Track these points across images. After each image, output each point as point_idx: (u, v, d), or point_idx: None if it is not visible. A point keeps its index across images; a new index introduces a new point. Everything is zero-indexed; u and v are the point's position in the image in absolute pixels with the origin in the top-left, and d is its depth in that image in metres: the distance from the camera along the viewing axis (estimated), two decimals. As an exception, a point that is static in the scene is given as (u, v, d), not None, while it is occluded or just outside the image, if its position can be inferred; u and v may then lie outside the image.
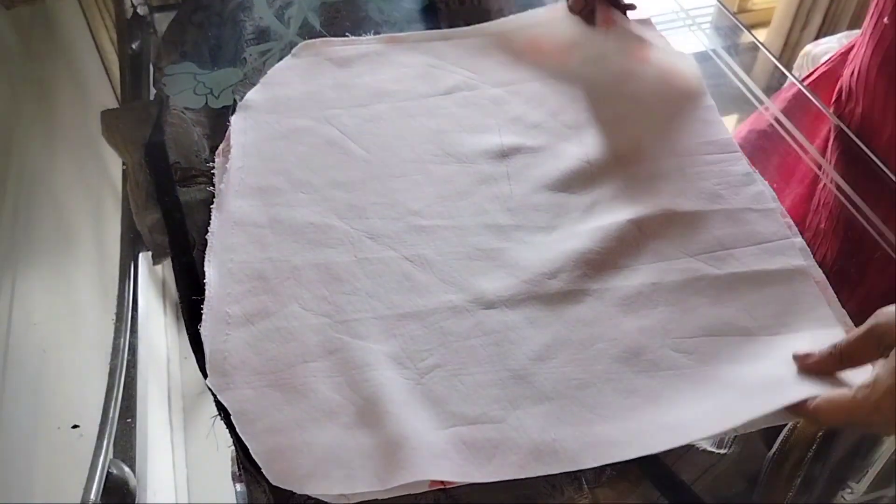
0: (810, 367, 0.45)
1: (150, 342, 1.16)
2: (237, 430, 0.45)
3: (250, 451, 0.44)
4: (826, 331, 0.49)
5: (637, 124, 0.65)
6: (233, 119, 0.65)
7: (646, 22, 0.74)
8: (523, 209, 0.58)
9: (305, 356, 0.49)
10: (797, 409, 0.43)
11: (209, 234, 0.56)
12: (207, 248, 0.55)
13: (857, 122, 0.65)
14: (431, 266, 0.54)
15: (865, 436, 0.51)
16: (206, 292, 0.52)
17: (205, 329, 0.50)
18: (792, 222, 0.57)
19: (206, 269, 0.53)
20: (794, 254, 0.54)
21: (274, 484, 0.43)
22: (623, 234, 0.56)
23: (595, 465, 0.43)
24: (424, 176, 0.61)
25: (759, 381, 0.46)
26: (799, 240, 0.55)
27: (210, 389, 0.47)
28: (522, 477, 0.43)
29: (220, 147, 0.64)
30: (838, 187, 0.62)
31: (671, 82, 0.69)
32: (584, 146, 0.64)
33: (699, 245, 0.55)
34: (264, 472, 0.44)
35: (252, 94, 0.67)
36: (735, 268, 0.53)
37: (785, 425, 0.48)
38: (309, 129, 0.65)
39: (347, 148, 0.63)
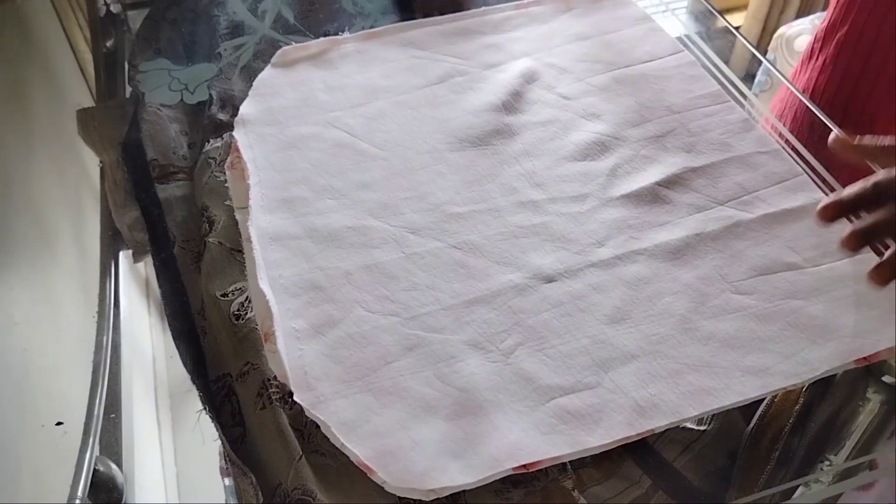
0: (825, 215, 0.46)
1: (134, 340, 1.15)
2: (340, 440, 0.45)
3: (360, 457, 0.44)
4: (861, 255, 0.53)
5: (631, 89, 0.68)
6: (235, 135, 0.63)
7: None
8: (550, 182, 0.60)
9: (386, 357, 0.49)
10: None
11: (253, 250, 0.55)
12: (257, 268, 0.54)
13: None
14: (481, 250, 0.55)
15: (842, 408, 0.54)
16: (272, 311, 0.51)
17: (279, 347, 0.50)
18: None
19: (261, 287, 0.52)
20: (812, 187, 0.58)
21: (394, 485, 0.43)
22: (654, 197, 0.58)
23: (697, 413, 0.45)
24: (445, 165, 0.61)
25: (825, 325, 0.50)
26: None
27: (302, 406, 0.47)
28: (633, 434, 0.45)
29: (228, 160, 0.62)
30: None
31: (651, 46, 0.72)
32: (587, 116, 0.65)
33: (725, 193, 0.58)
34: (381, 476, 0.43)
35: (246, 108, 0.66)
36: (764, 209, 0.57)
37: (763, 400, 0.51)
38: (315, 135, 0.64)
39: (360, 148, 0.63)
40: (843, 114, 0.71)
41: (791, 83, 0.72)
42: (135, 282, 1.22)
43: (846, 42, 0.69)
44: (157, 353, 1.27)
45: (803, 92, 0.73)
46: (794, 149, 0.63)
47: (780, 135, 0.65)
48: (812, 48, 0.75)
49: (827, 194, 0.58)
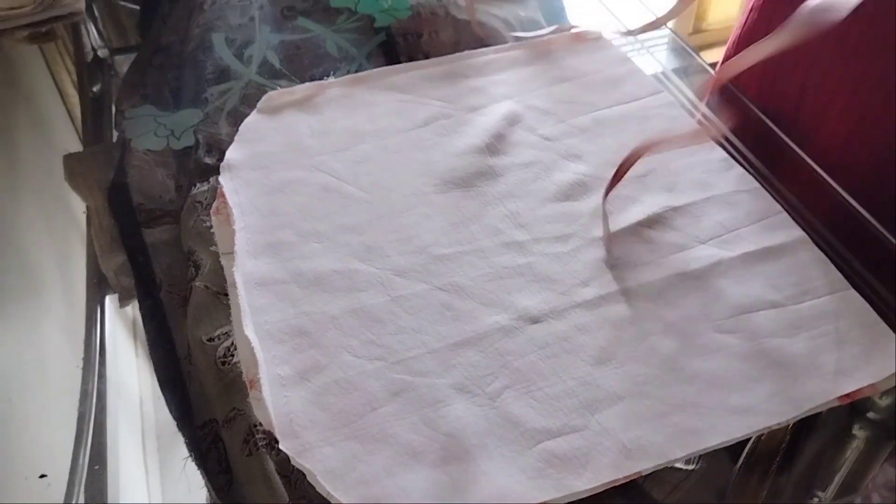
0: None
1: (121, 385, 1.14)
2: (326, 488, 0.44)
3: None
4: (842, 293, 0.54)
5: (612, 129, 0.69)
6: (220, 180, 0.63)
7: (600, 39, 0.80)
8: (534, 222, 0.60)
9: (372, 403, 0.49)
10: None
11: (238, 296, 0.55)
12: (242, 314, 0.54)
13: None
14: (467, 292, 0.55)
15: (828, 445, 0.54)
16: (257, 358, 0.51)
17: (264, 395, 0.49)
18: None
19: (246, 333, 0.53)
20: (792, 225, 0.59)
21: None
22: (636, 237, 0.59)
23: (683, 455, 0.45)
24: (430, 207, 0.62)
25: (807, 363, 0.50)
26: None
27: (288, 454, 0.47)
28: (620, 477, 0.45)
29: (214, 205, 0.62)
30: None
31: (632, 87, 0.74)
32: (569, 156, 0.66)
33: (707, 231, 0.59)
34: None
35: (231, 154, 0.66)
36: (745, 248, 0.57)
37: (749, 438, 0.51)
38: (301, 180, 0.64)
39: (345, 192, 0.63)
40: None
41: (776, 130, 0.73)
42: (122, 323, 1.21)
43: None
44: (144, 395, 1.26)
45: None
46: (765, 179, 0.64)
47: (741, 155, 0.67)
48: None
49: (805, 230, 0.59)
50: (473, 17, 0.81)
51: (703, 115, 0.72)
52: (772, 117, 0.68)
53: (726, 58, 0.77)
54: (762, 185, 0.63)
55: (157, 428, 1.23)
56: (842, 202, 0.60)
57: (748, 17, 0.74)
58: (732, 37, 0.77)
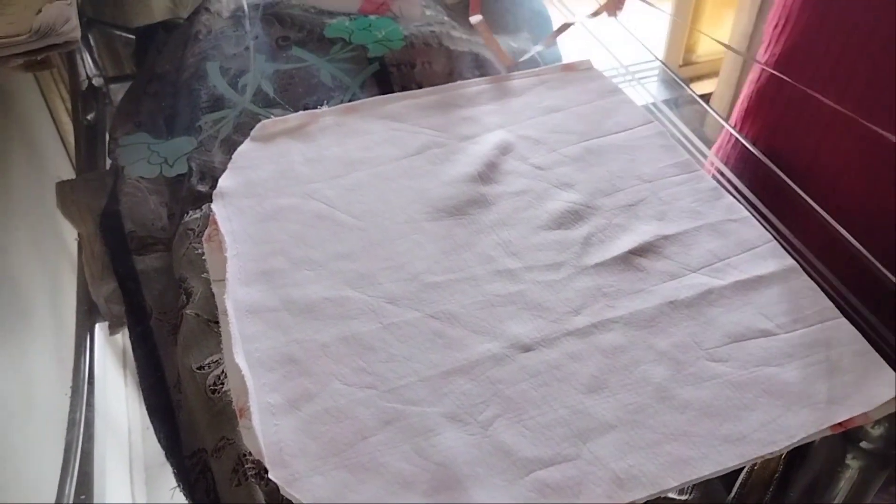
0: None
1: (109, 413, 1.14)
2: None
3: None
4: (833, 321, 0.54)
5: (603, 159, 0.70)
6: (213, 207, 0.64)
7: (591, 70, 0.81)
8: (526, 251, 0.61)
9: (363, 432, 0.48)
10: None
11: (229, 324, 0.54)
12: (233, 342, 0.53)
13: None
14: (458, 319, 0.55)
15: (821, 474, 0.54)
16: (247, 386, 0.51)
17: (254, 423, 0.49)
18: None
19: (236, 361, 0.52)
20: (782, 253, 0.59)
21: None
22: (628, 265, 0.59)
23: (676, 485, 0.45)
24: (422, 234, 0.62)
25: (799, 392, 0.50)
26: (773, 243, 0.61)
27: (277, 484, 0.46)
28: None
29: (206, 232, 0.62)
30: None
31: (622, 117, 0.74)
32: (561, 185, 0.67)
33: (698, 260, 0.59)
34: None
35: (224, 181, 0.66)
36: (736, 276, 0.58)
37: (742, 468, 0.51)
38: (294, 207, 0.64)
39: (338, 219, 0.63)
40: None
41: (755, 148, 0.74)
42: (112, 351, 1.21)
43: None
44: (132, 425, 1.25)
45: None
46: (756, 209, 0.64)
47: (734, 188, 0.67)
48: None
49: (797, 260, 0.59)
50: (496, 46, 0.82)
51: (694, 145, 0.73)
52: (783, 171, 0.68)
53: (741, 112, 0.78)
54: (752, 215, 0.63)
55: (144, 459, 1.23)
56: (856, 252, 0.60)
57: (761, 74, 0.74)
58: (746, 92, 0.78)
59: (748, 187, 0.67)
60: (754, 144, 0.73)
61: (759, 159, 0.70)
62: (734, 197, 0.65)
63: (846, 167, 0.66)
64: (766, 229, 0.62)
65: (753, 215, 0.63)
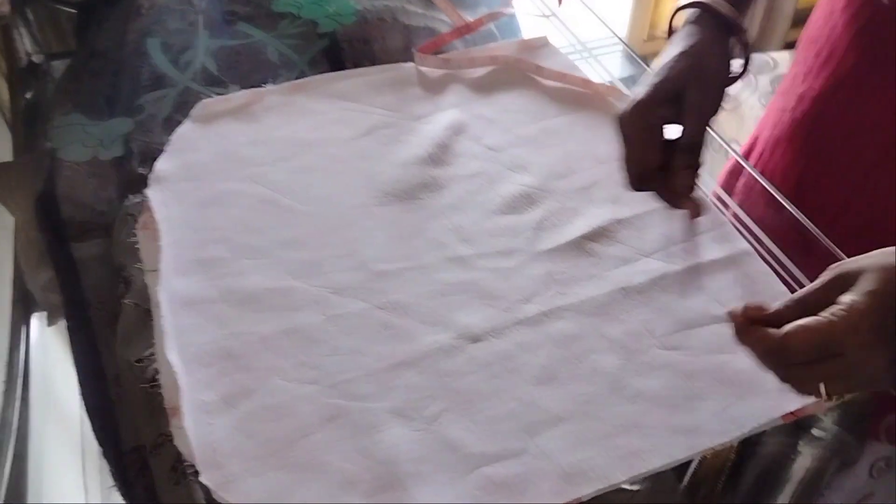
0: (768, 318, 0.42)
1: (56, 405, 1.10)
2: None
3: None
4: None
5: (558, 139, 0.68)
6: (149, 193, 0.60)
7: (549, 46, 0.78)
8: (478, 237, 0.59)
9: (304, 430, 0.46)
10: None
11: (161, 317, 0.52)
12: (165, 337, 0.51)
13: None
14: (407, 310, 0.53)
15: (774, 462, 0.54)
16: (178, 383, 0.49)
17: (186, 423, 0.47)
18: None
19: (168, 357, 0.50)
20: (736, 237, 0.58)
21: None
22: (580, 251, 0.58)
23: (626, 479, 0.44)
24: (372, 220, 0.60)
25: (751, 380, 0.49)
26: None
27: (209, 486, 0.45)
28: (561, 503, 0.43)
29: (140, 220, 0.59)
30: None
31: (580, 95, 0.72)
32: (514, 168, 0.65)
33: (651, 244, 0.58)
34: None
35: (162, 164, 0.63)
36: (689, 261, 0.56)
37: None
38: (237, 192, 0.61)
39: (284, 205, 0.61)
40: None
41: (742, 157, 0.72)
42: (60, 339, 1.17)
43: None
44: (84, 415, 1.22)
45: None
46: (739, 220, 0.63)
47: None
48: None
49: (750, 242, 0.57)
50: (451, 9, 0.79)
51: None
52: (808, 217, 0.63)
53: (727, 172, 0.76)
54: (706, 196, 0.62)
55: (98, 448, 1.20)
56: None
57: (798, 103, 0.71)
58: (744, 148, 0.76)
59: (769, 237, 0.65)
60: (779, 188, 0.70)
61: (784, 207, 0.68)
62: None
63: (886, 214, 0.64)
64: (722, 212, 0.61)
65: (708, 196, 0.62)
